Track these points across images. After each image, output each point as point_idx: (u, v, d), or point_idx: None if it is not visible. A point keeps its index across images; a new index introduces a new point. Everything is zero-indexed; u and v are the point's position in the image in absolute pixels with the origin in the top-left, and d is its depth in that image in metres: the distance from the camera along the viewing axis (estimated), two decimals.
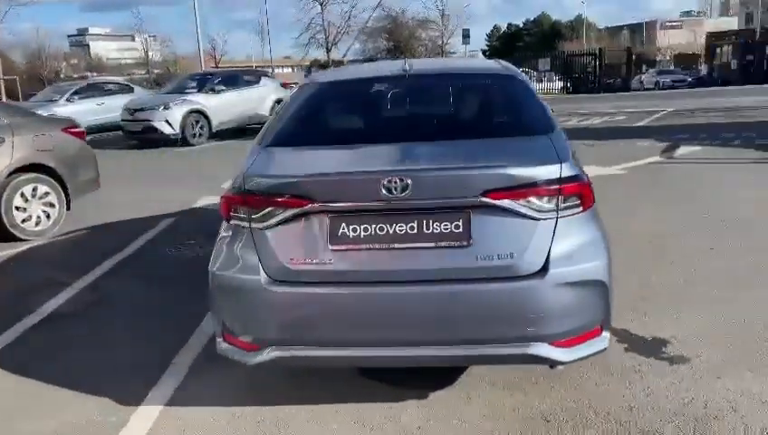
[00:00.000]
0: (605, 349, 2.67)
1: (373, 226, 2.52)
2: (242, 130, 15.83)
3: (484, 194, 2.45)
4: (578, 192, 2.55)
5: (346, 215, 2.54)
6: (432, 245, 2.49)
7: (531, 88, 3.39)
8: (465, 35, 33.36)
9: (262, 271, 2.60)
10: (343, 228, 2.53)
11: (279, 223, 2.58)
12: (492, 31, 79.71)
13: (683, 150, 10.01)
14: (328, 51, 36.01)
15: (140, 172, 10.98)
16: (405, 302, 2.51)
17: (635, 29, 69.82)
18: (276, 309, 2.61)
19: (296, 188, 2.55)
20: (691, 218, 5.96)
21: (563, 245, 2.51)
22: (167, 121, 13.91)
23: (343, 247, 2.53)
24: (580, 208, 2.56)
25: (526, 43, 70.28)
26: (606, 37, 61.56)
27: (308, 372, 3.18)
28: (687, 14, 78.11)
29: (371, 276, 2.53)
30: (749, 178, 7.66)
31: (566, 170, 2.52)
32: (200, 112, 14.43)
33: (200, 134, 14.40)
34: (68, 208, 6.66)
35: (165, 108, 14.00)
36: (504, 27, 79.24)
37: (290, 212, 2.55)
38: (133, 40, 65.63)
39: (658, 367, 3.14)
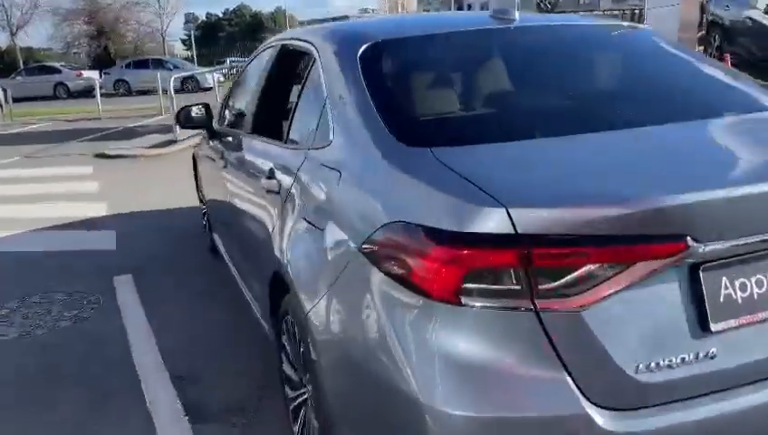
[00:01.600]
0: None
1: None
2: None
3: None
4: None
5: (728, 263, 1.44)
6: None
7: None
8: (188, 21, 30.74)
9: (581, 397, 1.35)
10: (727, 288, 1.43)
11: (604, 296, 1.35)
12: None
13: None
14: (13, 35, 29.51)
15: None
16: None
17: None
18: None
19: (659, 218, 1.36)
20: None
21: None
22: None
23: (733, 324, 1.42)
24: None
25: (228, 33, 68.54)
26: None
27: None
28: (365, 11, 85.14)
29: None
30: None
31: None
32: None
33: None
34: None
35: None
36: (202, 17, 76.17)
37: (639, 269, 1.36)
38: None
39: None
